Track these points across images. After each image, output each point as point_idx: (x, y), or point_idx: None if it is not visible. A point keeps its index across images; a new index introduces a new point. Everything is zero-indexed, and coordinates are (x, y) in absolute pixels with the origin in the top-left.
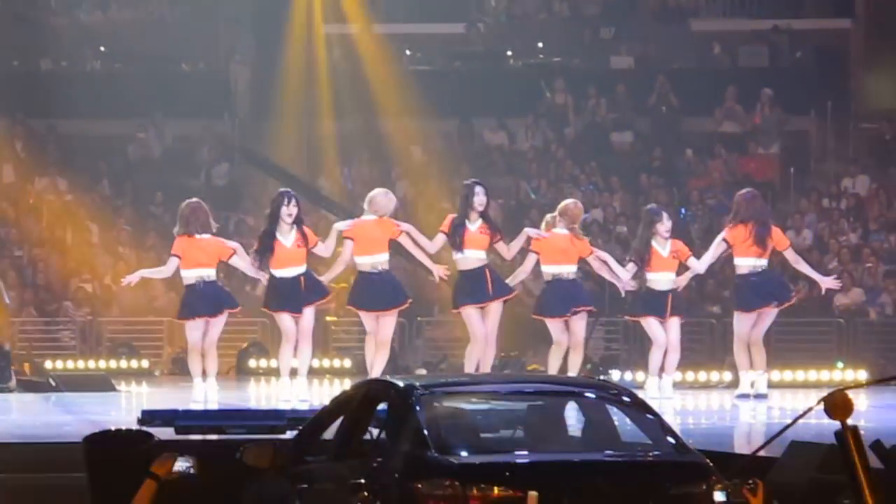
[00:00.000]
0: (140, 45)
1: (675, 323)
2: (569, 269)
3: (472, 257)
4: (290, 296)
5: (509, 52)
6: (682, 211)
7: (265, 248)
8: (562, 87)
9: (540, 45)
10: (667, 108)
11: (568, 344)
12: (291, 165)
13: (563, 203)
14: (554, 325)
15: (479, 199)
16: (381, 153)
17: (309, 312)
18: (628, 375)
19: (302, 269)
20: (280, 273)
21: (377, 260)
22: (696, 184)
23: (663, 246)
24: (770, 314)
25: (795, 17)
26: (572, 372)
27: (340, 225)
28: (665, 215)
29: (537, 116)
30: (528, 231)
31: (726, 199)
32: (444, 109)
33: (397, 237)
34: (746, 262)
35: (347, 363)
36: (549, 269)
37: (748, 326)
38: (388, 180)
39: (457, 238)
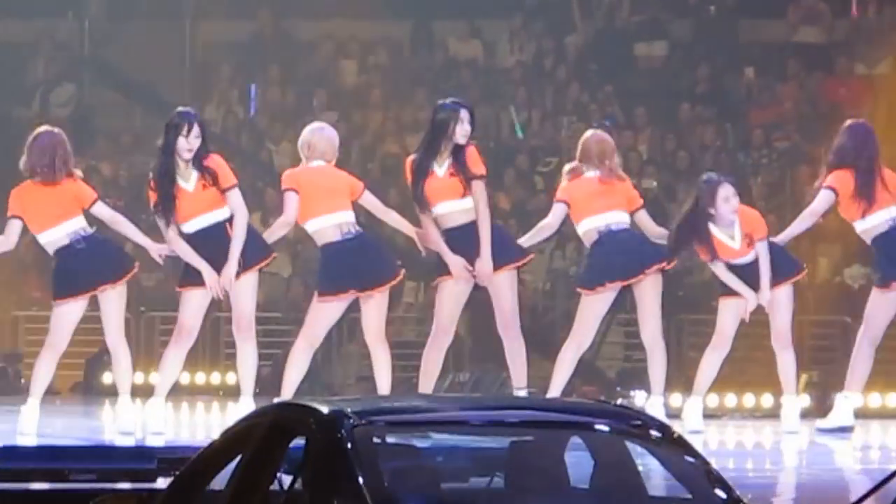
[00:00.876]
0: None
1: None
2: (617, 219)
3: (451, 211)
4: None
5: None
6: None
7: (166, 198)
8: None
9: None
10: (717, 6)
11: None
12: (166, 88)
13: (581, 140)
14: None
15: (464, 127)
16: (299, 71)
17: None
18: (658, 399)
19: (218, 216)
20: (188, 228)
21: (343, 220)
22: (759, 117)
23: (730, 232)
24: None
25: None
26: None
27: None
28: (731, 188)
29: (527, 18)
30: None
31: (804, 140)
32: (392, 7)
33: (360, 196)
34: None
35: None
36: (585, 225)
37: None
38: (308, 109)
39: (419, 189)
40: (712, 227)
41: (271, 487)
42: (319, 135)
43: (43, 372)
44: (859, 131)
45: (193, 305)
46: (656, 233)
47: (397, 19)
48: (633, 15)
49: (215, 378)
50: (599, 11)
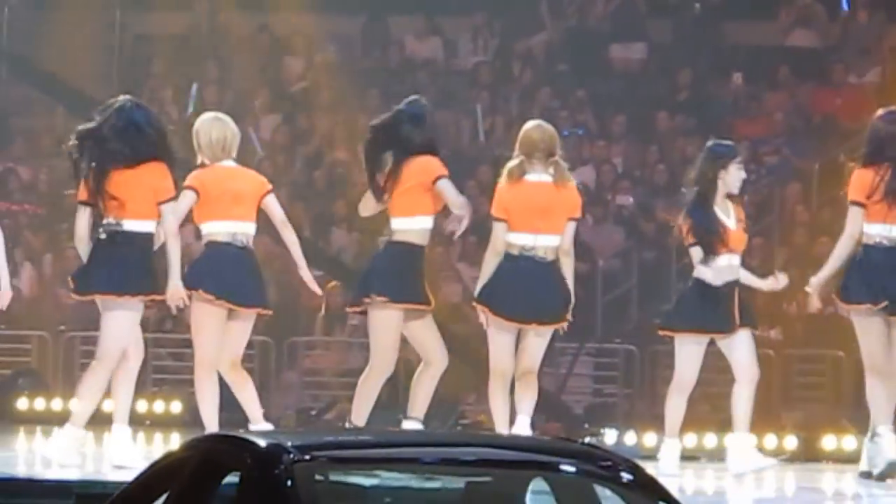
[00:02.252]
0: None
1: (745, 340)
2: (546, 242)
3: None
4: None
5: None
6: None
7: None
8: None
9: None
10: (701, 5)
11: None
12: (92, 83)
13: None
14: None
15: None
16: (239, 67)
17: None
18: (631, 437)
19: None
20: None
21: (238, 229)
22: (746, 129)
23: (726, 210)
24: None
25: None
26: None
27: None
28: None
29: (491, 15)
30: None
31: (793, 155)
32: (347, 2)
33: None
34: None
35: (177, 407)
36: (516, 240)
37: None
38: (249, 110)
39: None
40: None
41: None
42: (219, 124)
43: None
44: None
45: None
46: None
47: (348, 13)
48: (609, 13)
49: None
50: (571, 8)
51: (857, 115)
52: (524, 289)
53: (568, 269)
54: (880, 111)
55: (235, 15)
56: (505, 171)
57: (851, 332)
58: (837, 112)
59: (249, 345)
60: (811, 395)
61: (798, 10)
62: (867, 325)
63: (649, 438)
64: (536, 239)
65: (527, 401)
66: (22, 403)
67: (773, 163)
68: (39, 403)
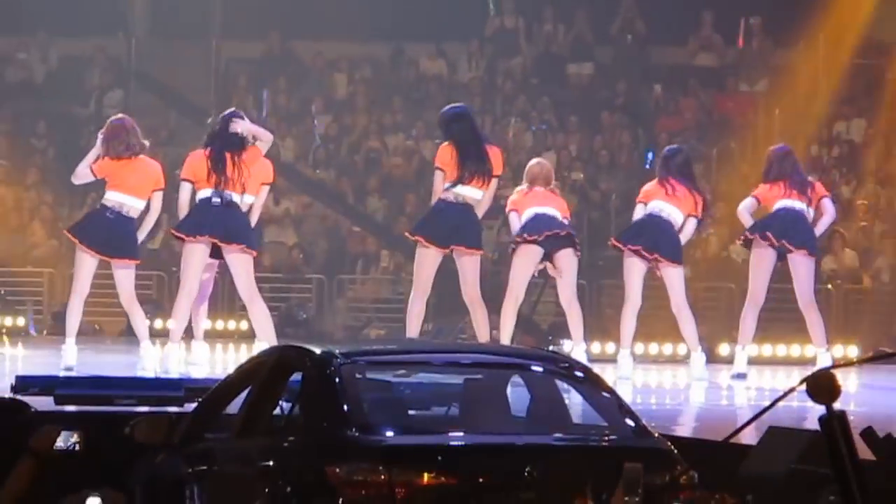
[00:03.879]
0: None
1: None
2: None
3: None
4: None
5: None
6: (649, 155)
7: None
8: (512, 10)
9: None
10: (633, 36)
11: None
12: (196, 94)
13: (528, 167)
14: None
15: None
16: (301, 82)
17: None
18: (582, 346)
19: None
20: None
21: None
22: (665, 124)
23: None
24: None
25: None
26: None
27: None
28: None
29: (482, 43)
30: None
31: (700, 143)
32: (375, 32)
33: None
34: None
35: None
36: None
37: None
38: (308, 113)
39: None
40: None
41: (275, 412)
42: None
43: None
44: (779, 153)
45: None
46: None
47: (379, 41)
48: (567, 40)
49: (231, 325)
50: (540, 38)
51: (745, 115)
52: None
53: None
54: (772, 147)
55: (299, 44)
56: (515, 192)
57: (739, 271)
58: (730, 113)
59: (308, 280)
60: (711, 315)
61: (702, 38)
62: (759, 260)
63: (595, 347)
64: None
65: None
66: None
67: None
68: (157, 324)
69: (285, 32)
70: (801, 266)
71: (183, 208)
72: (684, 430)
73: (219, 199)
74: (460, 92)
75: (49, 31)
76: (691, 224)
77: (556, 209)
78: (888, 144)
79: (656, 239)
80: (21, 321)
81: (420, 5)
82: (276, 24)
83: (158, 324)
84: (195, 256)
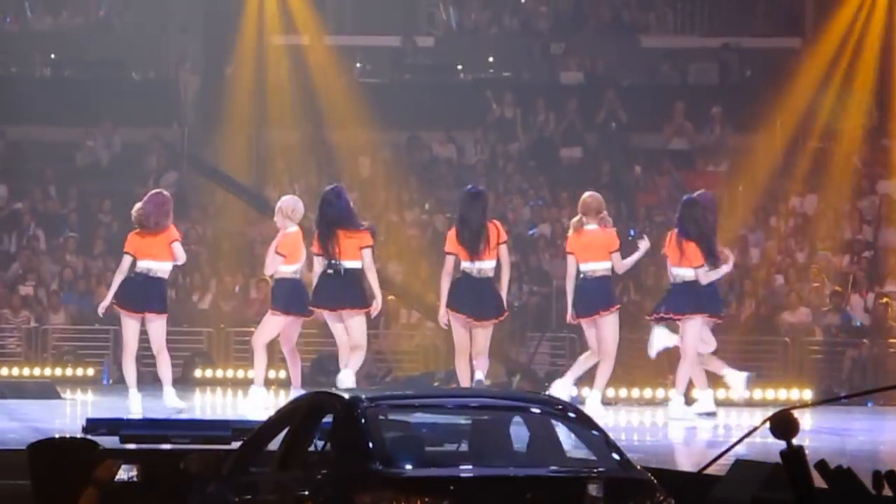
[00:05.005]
0: (90, 52)
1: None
2: (599, 267)
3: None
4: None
5: (459, 66)
6: (632, 232)
7: None
8: (511, 101)
9: (490, 59)
10: (616, 123)
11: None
12: (239, 174)
13: (581, 199)
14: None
15: None
16: (330, 164)
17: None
18: (573, 391)
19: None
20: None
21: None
22: (644, 200)
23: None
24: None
25: (745, 36)
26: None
27: None
28: None
29: (486, 130)
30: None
31: (674, 216)
32: (394, 122)
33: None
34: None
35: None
36: (582, 267)
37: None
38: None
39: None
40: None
41: (309, 449)
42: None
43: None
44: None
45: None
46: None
47: (397, 129)
48: (558, 128)
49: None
50: (535, 126)
51: (713, 191)
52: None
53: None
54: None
55: (328, 131)
56: (571, 224)
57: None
58: (700, 189)
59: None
60: None
61: (675, 126)
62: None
63: (585, 391)
64: (588, 265)
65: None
66: (197, 373)
67: (661, 221)
68: (209, 373)
69: (316, 122)
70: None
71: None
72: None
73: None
74: (467, 172)
75: (113, 121)
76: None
77: (603, 261)
78: (836, 216)
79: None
80: (91, 372)
81: (432, 99)
82: (308, 115)
83: (209, 373)
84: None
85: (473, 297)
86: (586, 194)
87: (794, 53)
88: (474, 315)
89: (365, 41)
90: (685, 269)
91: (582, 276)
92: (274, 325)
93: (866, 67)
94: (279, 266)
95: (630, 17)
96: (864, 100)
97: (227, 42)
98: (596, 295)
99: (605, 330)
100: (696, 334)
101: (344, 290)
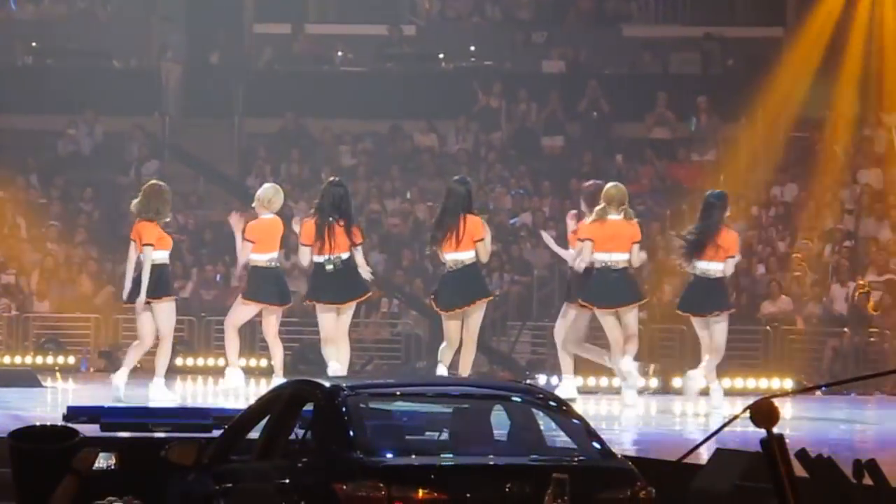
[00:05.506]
0: (72, 41)
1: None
2: (621, 258)
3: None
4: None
5: (441, 55)
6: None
7: None
8: (493, 91)
9: (472, 48)
10: (598, 113)
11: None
12: (221, 164)
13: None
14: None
15: None
16: (311, 153)
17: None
18: (554, 380)
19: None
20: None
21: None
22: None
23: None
24: None
25: (727, 25)
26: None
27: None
28: None
29: (468, 119)
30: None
31: (656, 206)
32: (376, 111)
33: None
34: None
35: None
36: (598, 256)
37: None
38: (318, 180)
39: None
40: None
41: (290, 437)
42: None
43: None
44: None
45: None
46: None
47: (379, 118)
48: (540, 117)
49: (252, 362)
50: (517, 115)
51: (695, 181)
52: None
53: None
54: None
55: (310, 120)
56: (594, 213)
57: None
58: (683, 179)
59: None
60: (667, 353)
61: (657, 115)
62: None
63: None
64: (611, 256)
65: None
66: (178, 361)
67: (642, 210)
68: (189, 361)
69: (298, 111)
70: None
71: None
72: (644, 452)
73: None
74: (449, 161)
75: (95, 110)
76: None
77: (625, 252)
78: (817, 205)
79: None
80: (72, 360)
81: (414, 88)
82: (290, 104)
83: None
84: None
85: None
86: (610, 185)
87: (777, 43)
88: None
89: (347, 30)
90: (716, 264)
91: (603, 265)
92: (243, 311)
93: (849, 57)
94: (250, 254)
95: (612, 6)
96: (846, 89)
97: (208, 30)
98: (620, 286)
99: (629, 319)
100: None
101: (347, 284)
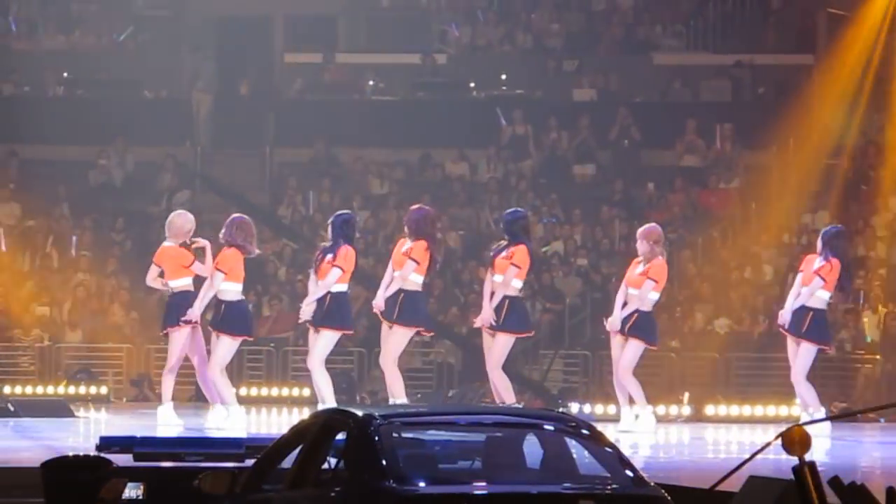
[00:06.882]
0: (102, 72)
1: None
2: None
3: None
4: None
5: (472, 84)
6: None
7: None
8: (523, 119)
9: (503, 76)
10: (628, 140)
11: None
12: (252, 193)
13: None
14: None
15: None
16: (342, 182)
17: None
18: (587, 408)
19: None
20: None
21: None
22: (656, 217)
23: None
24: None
25: (757, 53)
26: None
27: None
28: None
29: (499, 148)
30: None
31: (686, 233)
32: (406, 139)
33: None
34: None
35: (306, 392)
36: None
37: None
38: (350, 210)
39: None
40: None
41: (322, 467)
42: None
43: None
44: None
45: None
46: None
47: (410, 147)
48: (571, 145)
49: (284, 392)
50: (547, 144)
51: (724, 209)
52: None
53: None
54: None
55: (341, 150)
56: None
57: (721, 341)
58: (712, 206)
59: (350, 353)
60: (697, 380)
61: (686, 143)
62: None
63: (598, 409)
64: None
65: None
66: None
67: (673, 238)
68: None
69: (329, 140)
70: None
71: None
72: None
73: None
74: (480, 190)
75: (126, 140)
76: None
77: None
78: (849, 233)
79: None
80: (104, 390)
81: (445, 116)
82: (321, 133)
83: None
84: None
85: None
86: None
87: (807, 70)
88: None
89: (377, 59)
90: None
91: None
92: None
93: (879, 84)
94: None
95: (642, 34)
96: (877, 116)
97: (239, 60)
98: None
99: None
100: None
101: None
